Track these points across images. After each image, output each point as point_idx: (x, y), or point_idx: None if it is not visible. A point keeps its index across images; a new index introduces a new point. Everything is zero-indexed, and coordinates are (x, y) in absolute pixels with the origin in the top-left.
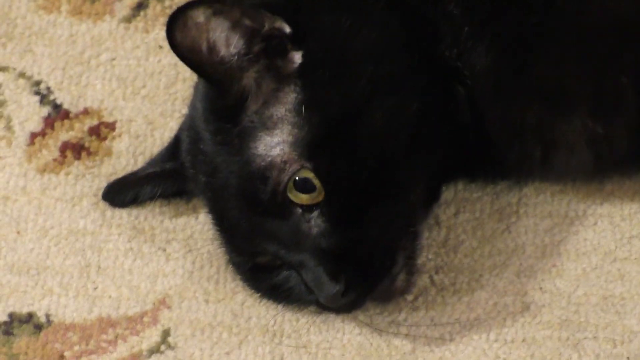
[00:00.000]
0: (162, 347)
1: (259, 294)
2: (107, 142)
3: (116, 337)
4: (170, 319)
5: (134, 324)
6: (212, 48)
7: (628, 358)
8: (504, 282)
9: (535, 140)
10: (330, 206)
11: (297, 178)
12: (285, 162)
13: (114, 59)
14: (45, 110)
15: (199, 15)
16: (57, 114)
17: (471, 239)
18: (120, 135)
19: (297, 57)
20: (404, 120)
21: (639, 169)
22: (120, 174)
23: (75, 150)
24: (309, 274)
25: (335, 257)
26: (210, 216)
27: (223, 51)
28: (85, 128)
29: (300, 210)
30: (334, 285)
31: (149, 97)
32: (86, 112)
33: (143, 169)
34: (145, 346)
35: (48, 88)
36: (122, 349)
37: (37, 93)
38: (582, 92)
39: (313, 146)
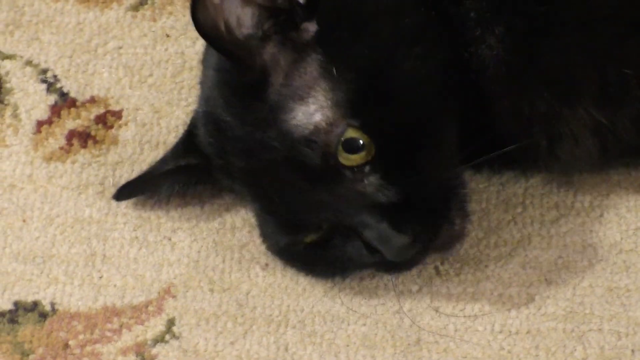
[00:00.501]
0: (167, 337)
1: (314, 273)
2: (113, 130)
3: (121, 326)
4: (175, 308)
5: (138, 313)
6: (228, 26)
7: (633, 350)
8: (509, 273)
9: (542, 130)
10: (382, 161)
11: (344, 139)
12: (330, 124)
13: (120, 48)
14: (52, 99)
15: None
16: (64, 102)
17: (477, 229)
18: (126, 124)
19: (311, 26)
20: (432, 67)
21: None
22: (127, 162)
23: (82, 138)
24: (373, 232)
25: (396, 210)
26: (252, 203)
27: (237, 29)
28: (92, 116)
29: (352, 172)
30: (402, 237)
31: (156, 86)
32: (93, 100)
33: (156, 167)
34: (150, 335)
35: (55, 76)
36: (127, 338)
37: (44, 81)
38: (587, 82)
39: (354, 103)
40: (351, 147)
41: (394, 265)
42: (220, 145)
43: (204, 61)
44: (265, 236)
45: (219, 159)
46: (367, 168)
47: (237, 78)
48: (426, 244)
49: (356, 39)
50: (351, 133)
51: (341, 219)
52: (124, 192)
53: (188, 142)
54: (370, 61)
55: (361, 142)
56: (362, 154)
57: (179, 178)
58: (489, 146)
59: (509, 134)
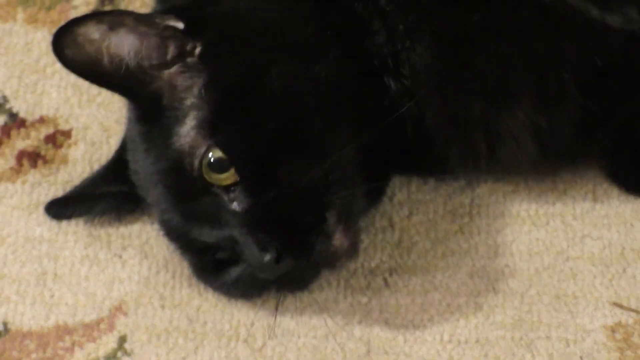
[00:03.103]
0: (119, 354)
1: (225, 291)
2: (63, 149)
3: (73, 344)
4: (127, 325)
5: (90, 330)
6: (114, 61)
7: (581, 357)
8: (457, 283)
9: (480, 134)
10: (247, 179)
11: (210, 160)
12: (193, 146)
13: None
14: (2, 119)
15: (92, 32)
16: (13, 122)
17: (424, 240)
18: (76, 143)
19: (198, 48)
20: (307, 84)
21: (583, 160)
22: (77, 181)
23: (32, 158)
24: (244, 251)
25: (262, 227)
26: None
27: (127, 62)
28: (42, 136)
29: (222, 191)
30: (264, 255)
31: (104, 105)
32: (42, 120)
33: (87, 188)
34: (102, 353)
35: (4, 97)
36: (79, 355)
37: None
38: (524, 86)
39: (214, 124)
40: (217, 166)
41: (287, 283)
42: (136, 172)
43: None
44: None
45: (138, 187)
46: (235, 186)
47: (136, 106)
48: (295, 259)
49: (230, 58)
50: (215, 152)
51: (218, 237)
52: (56, 207)
53: (118, 167)
54: (235, 82)
55: (225, 159)
56: (230, 173)
57: (111, 203)
58: (424, 154)
59: (447, 140)
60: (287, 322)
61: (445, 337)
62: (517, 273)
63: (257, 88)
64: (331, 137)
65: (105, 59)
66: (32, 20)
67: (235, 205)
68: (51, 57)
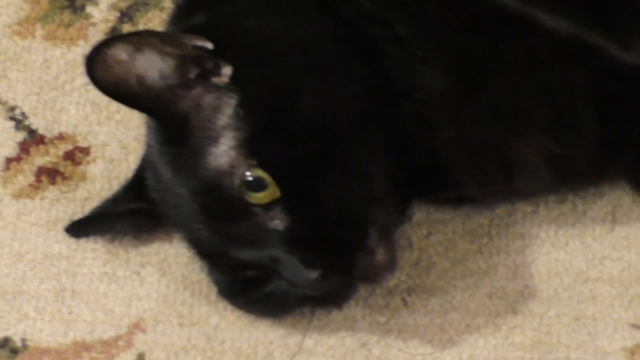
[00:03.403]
0: None
1: (255, 310)
2: (81, 166)
3: None
4: (145, 342)
5: (108, 347)
6: (141, 81)
7: None
8: (476, 304)
9: (495, 162)
10: (288, 196)
11: (248, 179)
12: (232, 166)
13: (88, 84)
14: (21, 136)
15: (120, 53)
16: (32, 139)
17: (443, 260)
18: (94, 160)
19: (227, 69)
20: (340, 101)
21: (604, 179)
22: (95, 198)
23: (50, 175)
24: (286, 269)
25: (306, 245)
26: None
27: (153, 82)
28: (60, 153)
29: (263, 210)
30: (310, 272)
31: (123, 122)
32: (61, 137)
33: (108, 207)
34: None
35: (23, 113)
36: None
37: (12, 118)
38: (538, 113)
39: (254, 143)
40: (256, 185)
41: (324, 300)
42: (159, 192)
43: None
44: (212, 280)
45: (161, 205)
46: (275, 205)
47: (162, 126)
48: (341, 276)
49: (263, 78)
50: (254, 171)
51: (259, 257)
52: (76, 228)
53: (137, 185)
54: (273, 100)
55: (264, 178)
56: (268, 191)
57: (131, 221)
58: (443, 180)
59: (463, 169)
60: (306, 341)
61: (464, 358)
62: (537, 294)
63: (292, 107)
64: (366, 154)
65: (133, 80)
66: (51, 37)
67: (275, 224)
68: (70, 74)
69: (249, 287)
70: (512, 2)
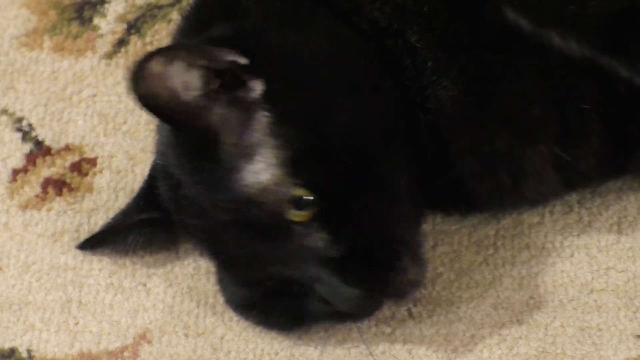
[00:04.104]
0: None
1: (272, 325)
2: (88, 178)
3: None
4: (151, 353)
5: (114, 358)
6: (172, 94)
7: None
8: (481, 314)
9: (505, 169)
10: (329, 215)
11: (291, 197)
12: (277, 184)
13: (95, 95)
14: (27, 147)
15: (155, 67)
16: (39, 151)
17: (449, 271)
18: (101, 171)
19: (257, 84)
20: (370, 115)
21: (613, 180)
22: (102, 209)
23: (57, 186)
24: (324, 286)
25: (345, 263)
26: (207, 258)
27: (183, 95)
28: (67, 164)
29: (301, 227)
30: (351, 290)
31: (130, 133)
32: (67, 148)
33: (119, 220)
34: None
35: (30, 125)
36: None
37: (19, 130)
38: (547, 120)
39: (298, 162)
40: (298, 204)
41: (349, 315)
42: (178, 201)
43: None
44: (224, 290)
45: (177, 215)
46: (315, 223)
47: (186, 139)
48: (377, 294)
49: (297, 94)
50: (297, 191)
51: (294, 275)
52: (89, 244)
53: (149, 194)
54: (310, 116)
55: (307, 198)
56: (310, 210)
57: (143, 231)
58: (452, 188)
59: (473, 176)
60: (311, 352)
61: None
62: (542, 305)
63: (331, 124)
64: (395, 170)
65: (165, 93)
66: (59, 49)
67: (313, 241)
68: (77, 86)
69: (266, 299)
70: (527, 25)
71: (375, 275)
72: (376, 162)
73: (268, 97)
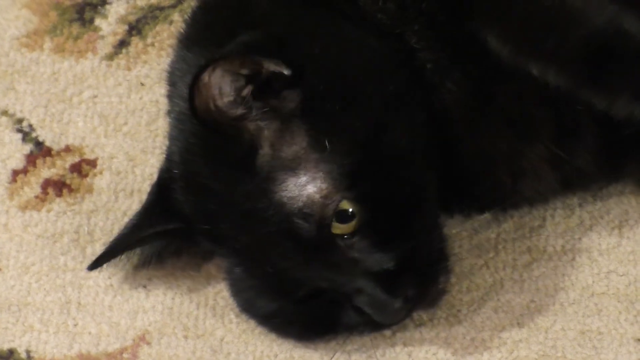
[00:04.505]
0: None
1: (296, 335)
2: (88, 179)
3: None
4: (150, 355)
5: None
6: (216, 103)
7: None
8: (482, 318)
9: (506, 168)
10: (373, 228)
11: (341, 211)
12: (325, 197)
13: (95, 96)
14: (28, 148)
15: (205, 77)
16: (39, 152)
17: (449, 274)
18: (101, 172)
19: (294, 95)
20: (417, 130)
21: (613, 181)
22: (102, 210)
23: (57, 187)
24: (366, 298)
25: (388, 275)
26: (235, 266)
27: (222, 103)
28: (67, 165)
29: (343, 240)
30: (395, 302)
31: (131, 134)
32: (68, 149)
33: (129, 234)
34: None
35: (30, 125)
36: None
37: (20, 130)
38: (544, 120)
39: (350, 176)
40: (343, 217)
41: (382, 326)
42: (207, 211)
43: (171, 113)
44: (245, 300)
45: (205, 225)
46: (357, 235)
47: (225, 150)
48: (417, 304)
49: (346, 109)
50: (344, 205)
51: (334, 286)
52: (101, 263)
53: (162, 205)
54: (362, 132)
55: (352, 211)
56: (353, 222)
57: (158, 244)
58: (456, 190)
59: (475, 174)
60: (311, 354)
61: None
62: (542, 308)
63: (381, 138)
64: (430, 181)
65: (211, 103)
66: (59, 50)
67: (356, 253)
68: (78, 87)
69: (298, 310)
70: (507, 54)
71: (418, 287)
72: (419, 177)
73: (307, 109)
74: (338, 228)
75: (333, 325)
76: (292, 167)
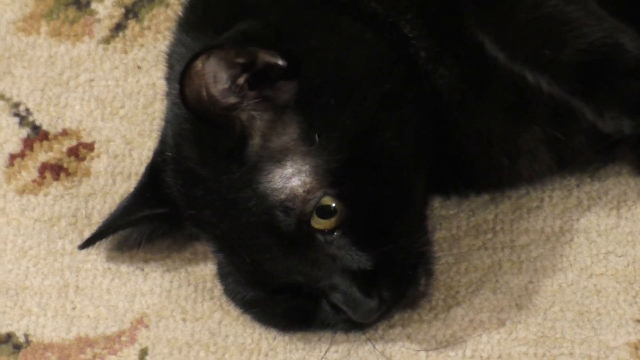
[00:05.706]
0: None
1: (274, 324)
2: (85, 162)
3: (94, 356)
4: (148, 338)
5: (111, 343)
6: (208, 92)
7: None
8: (480, 299)
9: (502, 149)
10: (354, 226)
11: (322, 206)
12: (307, 192)
13: (92, 80)
14: (25, 132)
15: (197, 64)
16: (36, 135)
17: (447, 255)
18: (98, 156)
19: (289, 86)
20: (408, 133)
21: (603, 165)
22: (99, 194)
23: (54, 171)
24: (341, 295)
25: (365, 274)
26: (217, 253)
27: (216, 91)
28: (64, 149)
29: (323, 235)
30: (369, 302)
31: (128, 117)
32: (65, 133)
33: (120, 216)
34: None
35: (27, 109)
36: None
37: (17, 114)
38: (539, 102)
39: (334, 172)
40: (325, 212)
41: (360, 325)
42: (193, 196)
43: (169, 96)
44: (227, 285)
45: (190, 210)
46: (337, 232)
47: (215, 139)
48: (392, 306)
49: (340, 105)
50: (326, 200)
51: (310, 281)
52: (91, 243)
53: (151, 188)
54: (353, 131)
55: (334, 206)
56: (334, 218)
57: (147, 227)
58: (453, 171)
59: (471, 157)
60: (310, 335)
61: (468, 353)
62: (541, 289)
63: (371, 138)
64: (417, 186)
65: (204, 92)
66: (56, 34)
67: (334, 250)
68: (74, 71)
69: (275, 300)
70: (502, 59)
71: (394, 289)
72: (407, 179)
73: (302, 102)
74: (319, 223)
75: (308, 319)
76: (280, 158)
